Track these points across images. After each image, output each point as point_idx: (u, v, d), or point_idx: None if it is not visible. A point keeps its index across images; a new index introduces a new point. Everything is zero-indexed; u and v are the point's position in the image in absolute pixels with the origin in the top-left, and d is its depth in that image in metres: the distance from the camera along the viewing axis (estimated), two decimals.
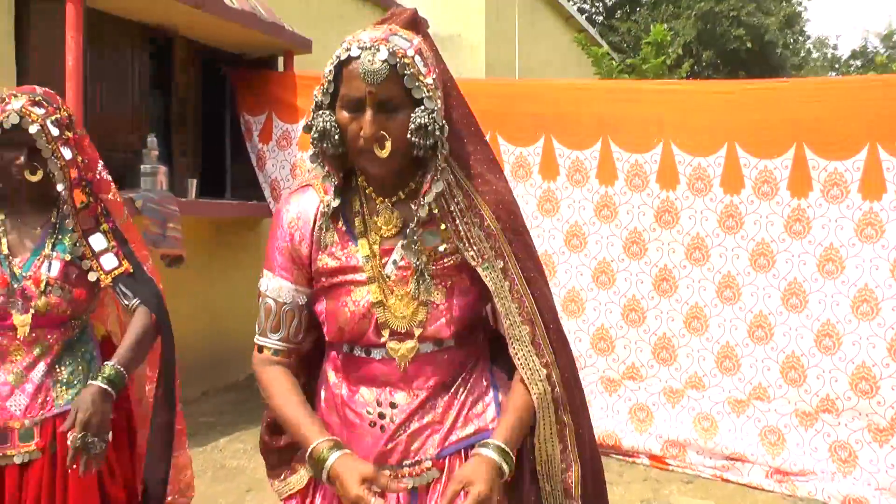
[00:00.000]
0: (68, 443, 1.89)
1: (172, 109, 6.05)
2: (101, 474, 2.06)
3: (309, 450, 1.51)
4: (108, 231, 2.12)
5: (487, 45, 10.65)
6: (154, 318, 2.15)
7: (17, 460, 2.02)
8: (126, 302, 2.15)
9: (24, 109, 1.97)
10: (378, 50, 1.40)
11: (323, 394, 1.67)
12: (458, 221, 1.52)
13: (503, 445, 1.48)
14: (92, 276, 2.10)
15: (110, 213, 2.16)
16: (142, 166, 5.12)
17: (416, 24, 1.55)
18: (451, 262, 1.55)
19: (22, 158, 1.99)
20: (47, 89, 2.12)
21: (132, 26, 5.60)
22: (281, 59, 6.46)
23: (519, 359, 1.54)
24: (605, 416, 4.87)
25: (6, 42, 4.76)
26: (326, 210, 1.55)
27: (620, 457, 4.81)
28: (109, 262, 2.10)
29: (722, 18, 18.85)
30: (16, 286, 2.03)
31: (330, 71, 1.46)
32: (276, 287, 1.61)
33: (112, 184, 2.24)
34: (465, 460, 1.53)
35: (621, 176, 4.80)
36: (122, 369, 2.02)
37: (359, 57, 1.41)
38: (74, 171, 2.04)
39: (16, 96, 2.03)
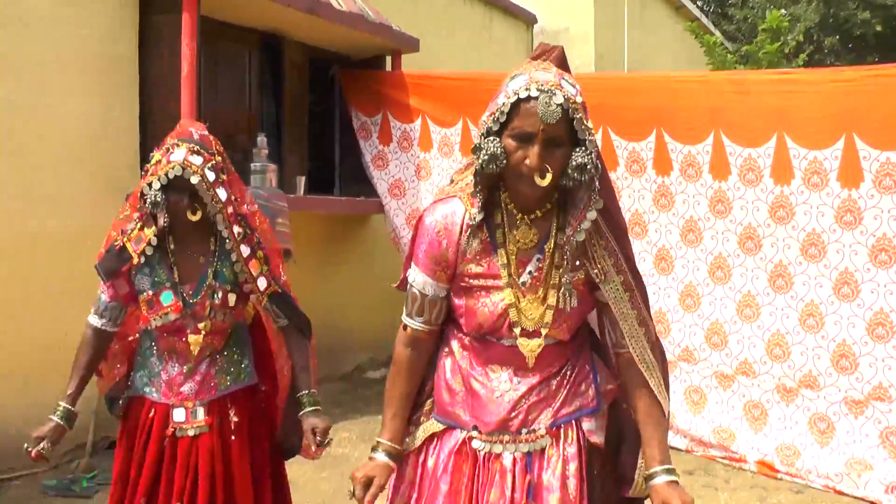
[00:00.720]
0: (320, 443, 2.45)
1: (282, 110, 6.24)
2: (252, 447, 2.52)
3: (377, 438, 1.92)
4: (262, 258, 2.46)
5: (596, 37, 10.48)
6: (300, 334, 2.57)
7: (190, 433, 2.45)
8: (277, 320, 2.55)
9: (185, 161, 2.29)
10: (554, 94, 1.63)
11: (448, 363, 1.95)
12: (587, 242, 1.77)
13: (670, 467, 1.78)
14: (253, 298, 2.51)
15: (261, 241, 2.48)
16: (252, 164, 5.30)
17: (565, 60, 1.80)
18: (579, 276, 1.80)
19: (185, 201, 2.33)
20: (203, 134, 2.41)
21: (244, 32, 5.82)
22: (388, 59, 6.57)
23: (636, 352, 1.81)
24: (721, 411, 4.77)
25: (132, 54, 5.04)
26: (473, 223, 1.79)
27: (727, 461, 4.69)
28: (262, 284, 2.45)
29: (847, 1, 17.88)
30: (188, 311, 2.42)
31: (505, 104, 1.67)
32: (422, 282, 1.88)
33: (258, 212, 2.55)
34: (573, 430, 1.85)
35: (734, 171, 4.65)
36: (314, 391, 2.51)
37: (537, 98, 1.63)
38: (230, 208, 2.37)
39: (178, 146, 2.33)
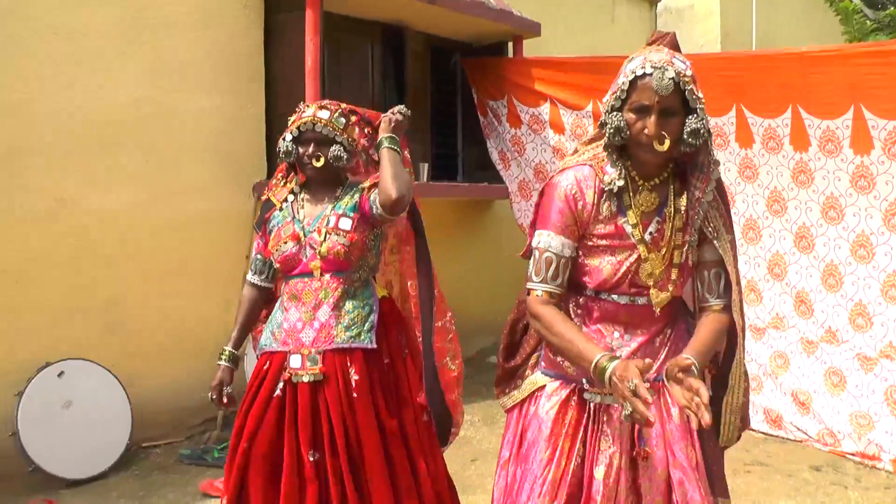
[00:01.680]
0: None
1: (405, 99, 6.33)
2: (386, 401, 2.58)
3: (593, 363, 1.82)
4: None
5: (722, 12, 10.09)
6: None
7: (306, 379, 2.53)
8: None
9: (314, 116, 2.61)
10: (666, 69, 1.83)
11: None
12: (699, 205, 1.95)
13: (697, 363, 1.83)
14: (368, 188, 2.64)
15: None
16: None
17: (677, 44, 1.98)
18: (694, 236, 1.97)
19: (311, 149, 2.60)
20: (331, 101, 2.73)
21: (366, 25, 5.94)
22: (510, 44, 6.57)
23: (735, 304, 1.98)
24: (861, 394, 4.56)
25: (258, 51, 5.27)
26: (612, 187, 1.95)
27: (857, 458, 4.44)
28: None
29: None
30: (304, 238, 2.60)
31: (624, 82, 1.87)
32: (559, 244, 1.99)
33: None
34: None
35: (878, 145, 4.38)
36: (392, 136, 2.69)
37: (651, 74, 1.83)
38: (363, 140, 2.74)
39: (308, 106, 2.68)
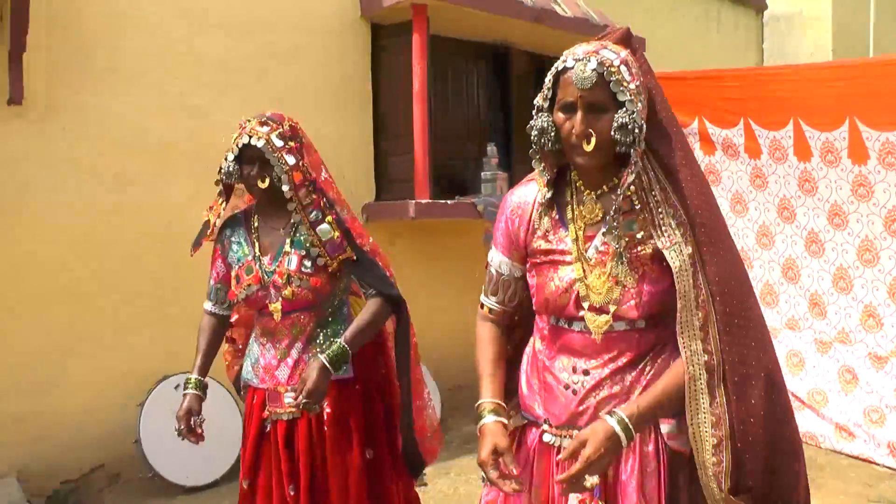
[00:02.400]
0: (290, 404, 2.39)
1: (510, 119, 6.38)
2: (358, 433, 2.48)
3: (478, 402, 1.83)
4: (332, 222, 2.45)
5: (834, 18, 9.66)
6: (382, 302, 2.50)
7: (284, 417, 2.47)
8: (366, 291, 2.51)
9: (251, 130, 2.38)
10: (589, 61, 1.65)
11: (528, 357, 1.92)
12: (653, 212, 1.70)
13: (625, 418, 1.63)
14: (320, 262, 2.45)
15: (333, 206, 2.48)
16: (482, 173, 5.47)
17: (627, 40, 1.78)
18: (645, 250, 1.72)
19: (255, 170, 2.39)
20: (277, 112, 2.50)
21: (471, 46, 6.02)
22: None
23: (683, 339, 1.66)
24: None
25: (364, 75, 5.43)
26: (543, 200, 1.81)
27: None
28: (334, 249, 2.45)
29: None
30: (267, 280, 2.45)
31: (549, 80, 1.72)
32: (498, 261, 1.93)
33: (333, 184, 2.57)
34: (650, 431, 1.73)
35: (873, 155, 4.28)
36: (346, 347, 2.39)
37: (573, 67, 1.66)
38: (298, 174, 2.40)
39: (249, 121, 2.43)
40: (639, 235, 1.72)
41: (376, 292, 2.49)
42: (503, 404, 1.85)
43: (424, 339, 4.19)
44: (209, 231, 2.58)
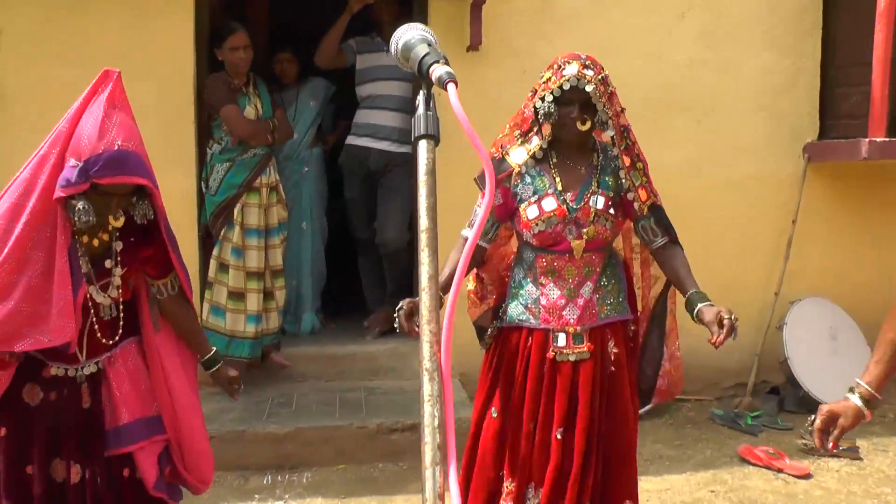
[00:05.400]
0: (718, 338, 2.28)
1: None
2: (630, 375, 2.58)
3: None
4: (641, 169, 2.52)
5: None
6: (679, 246, 2.56)
7: (571, 358, 2.49)
8: (653, 239, 2.54)
9: (579, 73, 2.38)
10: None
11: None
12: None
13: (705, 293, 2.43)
14: (634, 204, 2.50)
15: (640, 155, 2.53)
16: None
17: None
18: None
19: (576, 112, 2.40)
20: (588, 55, 2.47)
21: None
22: None
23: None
24: None
25: (814, 3, 4.98)
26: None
27: None
28: (643, 194, 2.50)
29: None
30: (571, 215, 2.46)
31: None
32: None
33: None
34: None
35: None
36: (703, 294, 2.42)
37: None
38: (616, 119, 2.45)
39: (569, 63, 2.42)
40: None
41: (672, 239, 2.54)
42: (877, 396, 2.05)
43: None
44: (507, 168, 2.55)
